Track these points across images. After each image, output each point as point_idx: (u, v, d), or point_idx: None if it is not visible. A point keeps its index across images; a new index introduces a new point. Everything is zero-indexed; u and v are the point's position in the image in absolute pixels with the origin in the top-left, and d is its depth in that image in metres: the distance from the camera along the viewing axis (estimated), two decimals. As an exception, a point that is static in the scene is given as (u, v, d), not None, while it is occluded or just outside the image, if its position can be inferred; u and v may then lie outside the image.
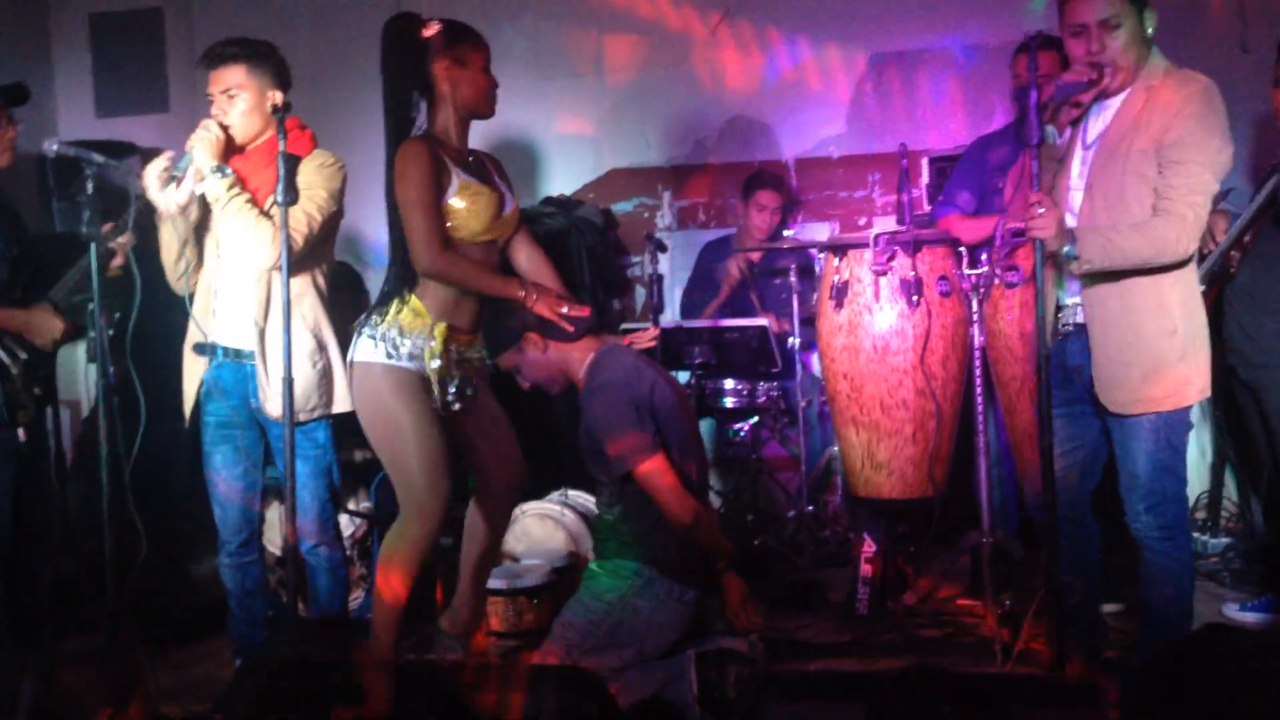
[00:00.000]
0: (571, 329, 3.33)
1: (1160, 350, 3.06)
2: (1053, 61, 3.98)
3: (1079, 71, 3.04)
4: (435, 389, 3.35)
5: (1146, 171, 3.02)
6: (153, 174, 3.50)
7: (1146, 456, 3.11)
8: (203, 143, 3.46)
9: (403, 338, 3.35)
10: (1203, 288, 3.73)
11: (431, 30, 3.42)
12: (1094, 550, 3.38)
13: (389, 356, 3.33)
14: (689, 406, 3.39)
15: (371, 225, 5.03)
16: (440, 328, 3.35)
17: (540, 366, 3.31)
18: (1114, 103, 3.11)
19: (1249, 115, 4.59)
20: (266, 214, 3.49)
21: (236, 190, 3.47)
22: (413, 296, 3.39)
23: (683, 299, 5.58)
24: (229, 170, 3.49)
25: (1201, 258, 3.81)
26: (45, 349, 3.77)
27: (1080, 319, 3.17)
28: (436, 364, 3.33)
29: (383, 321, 3.37)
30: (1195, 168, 2.98)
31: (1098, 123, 3.15)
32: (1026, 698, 2.55)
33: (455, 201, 3.37)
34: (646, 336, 3.78)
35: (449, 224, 3.38)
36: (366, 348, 3.38)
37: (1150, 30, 3.07)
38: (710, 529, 3.16)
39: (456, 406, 3.41)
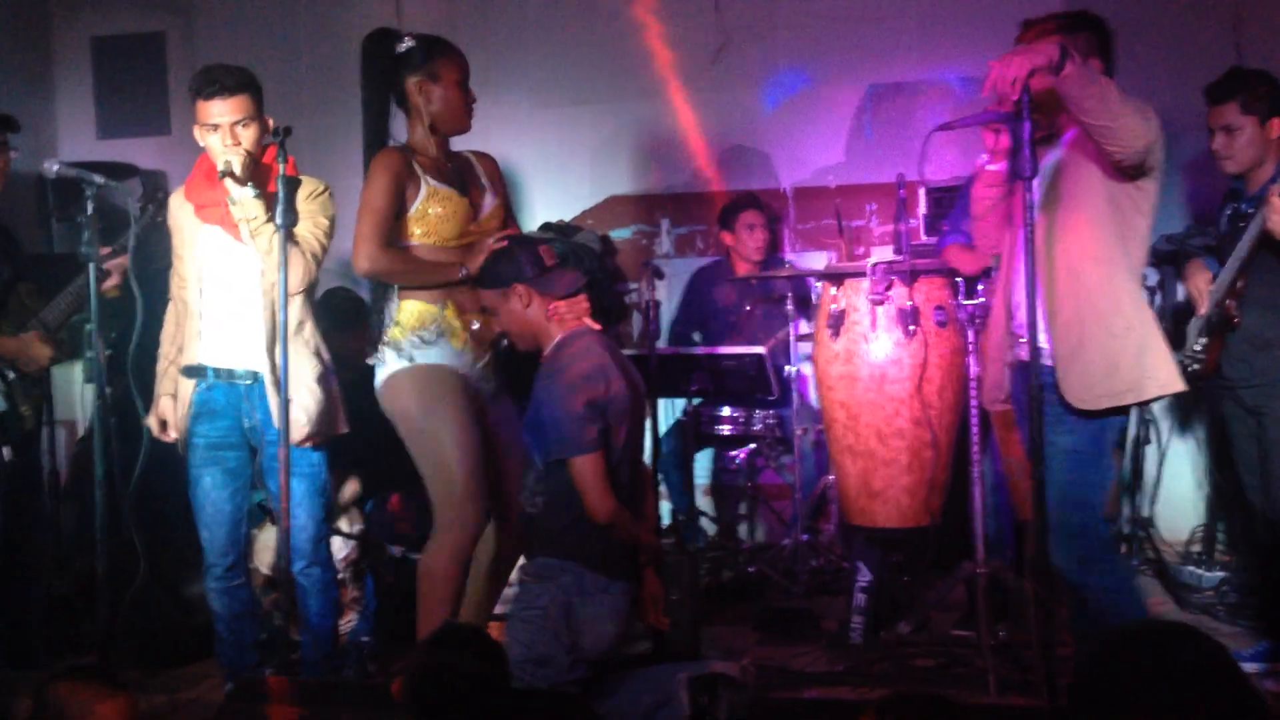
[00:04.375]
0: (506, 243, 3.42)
1: (1116, 349, 3.16)
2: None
3: (1004, 104, 3.12)
4: (470, 355, 3.50)
5: (1093, 190, 3.15)
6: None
7: (1057, 489, 3.13)
8: (238, 159, 3.47)
9: (418, 334, 3.43)
10: (1204, 340, 3.77)
11: (404, 46, 3.49)
12: None
13: (411, 360, 3.45)
14: (642, 411, 3.42)
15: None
16: (450, 306, 3.49)
17: (516, 319, 3.34)
18: (1066, 138, 3.23)
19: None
20: (294, 240, 3.52)
21: (272, 214, 3.49)
22: (407, 298, 3.50)
23: (672, 328, 5.59)
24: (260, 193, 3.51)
25: (1184, 310, 3.87)
26: (32, 374, 3.77)
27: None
28: (460, 339, 3.49)
29: (393, 333, 3.47)
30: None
31: (1052, 153, 3.26)
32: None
33: (426, 208, 3.48)
34: None
35: (422, 230, 3.48)
36: (388, 363, 3.49)
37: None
38: (626, 530, 3.19)
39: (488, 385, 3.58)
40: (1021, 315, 3.23)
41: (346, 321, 4.62)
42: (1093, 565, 3.18)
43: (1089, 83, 2.98)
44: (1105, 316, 3.17)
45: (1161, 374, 3.21)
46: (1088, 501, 3.20)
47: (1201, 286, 3.81)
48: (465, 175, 3.62)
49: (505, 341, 3.61)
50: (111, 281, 3.64)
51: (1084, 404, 3.18)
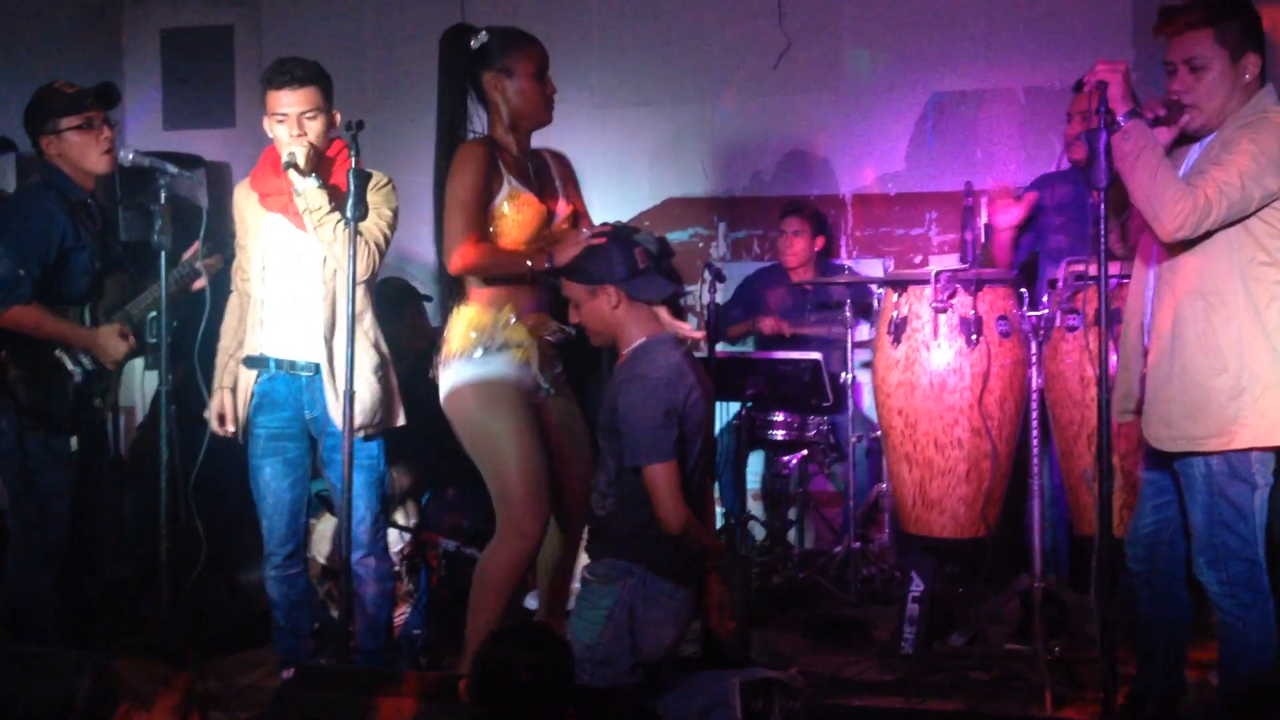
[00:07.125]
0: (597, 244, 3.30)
1: (1206, 389, 2.98)
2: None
3: (1150, 106, 3.02)
4: (534, 366, 3.45)
5: None
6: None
7: (1201, 509, 3.03)
8: (301, 151, 3.49)
9: (481, 344, 3.40)
10: None
11: (478, 41, 3.48)
12: (1180, 605, 3.29)
13: (477, 372, 3.40)
14: (713, 416, 3.40)
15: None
16: (506, 310, 3.44)
17: (600, 317, 3.29)
18: (1205, 143, 3.08)
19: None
20: (359, 231, 3.53)
21: (335, 204, 3.51)
22: (468, 305, 3.47)
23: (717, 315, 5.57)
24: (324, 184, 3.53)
25: None
26: (109, 367, 3.82)
27: None
28: (523, 348, 3.44)
29: (457, 340, 3.43)
30: (1237, 157, 2.91)
31: (1188, 157, 3.12)
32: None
33: (504, 208, 3.44)
34: (690, 329, 3.64)
35: (494, 230, 3.45)
36: (453, 373, 3.44)
37: (1247, 77, 3.00)
38: (696, 538, 3.19)
39: (550, 391, 3.54)
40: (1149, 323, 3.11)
41: (396, 307, 4.64)
42: (1234, 591, 3.03)
43: (1120, 157, 2.89)
44: (1197, 355, 2.99)
45: (1261, 425, 2.96)
46: (1234, 524, 3.01)
47: None
48: (542, 178, 3.58)
49: (560, 336, 3.60)
50: (200, 283, 3.69)
51: (1159, 443, 3.06)
